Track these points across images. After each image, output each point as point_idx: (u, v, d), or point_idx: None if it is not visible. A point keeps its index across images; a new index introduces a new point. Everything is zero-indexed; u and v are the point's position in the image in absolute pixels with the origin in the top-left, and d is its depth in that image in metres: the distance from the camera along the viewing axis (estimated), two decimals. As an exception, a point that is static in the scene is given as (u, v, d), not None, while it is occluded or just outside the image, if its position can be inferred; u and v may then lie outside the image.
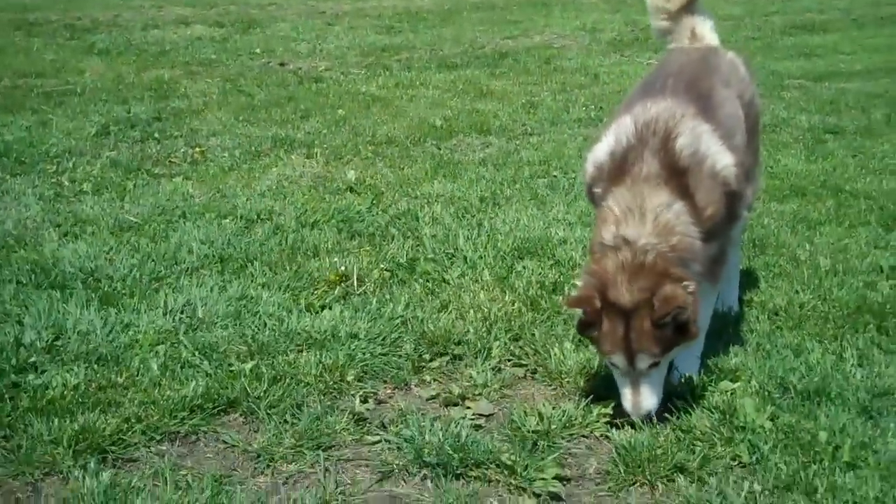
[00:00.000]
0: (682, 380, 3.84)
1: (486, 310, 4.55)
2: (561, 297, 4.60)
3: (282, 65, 11.49)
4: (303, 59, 12.06)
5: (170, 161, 7.13)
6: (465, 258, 5.26)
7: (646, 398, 3.57)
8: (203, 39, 13.13)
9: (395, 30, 14.82)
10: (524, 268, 5.13)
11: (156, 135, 7.77)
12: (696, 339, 3.64)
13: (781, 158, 7.61)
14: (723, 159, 3.82)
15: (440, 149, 7.75)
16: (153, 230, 5.60)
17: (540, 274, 5.04)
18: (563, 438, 3.56)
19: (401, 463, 3.40)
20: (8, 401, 3.64)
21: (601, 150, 3.90)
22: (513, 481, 3.29)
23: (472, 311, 4.56)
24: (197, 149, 7.44)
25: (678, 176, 3.66)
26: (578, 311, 3.60)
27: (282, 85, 10.28)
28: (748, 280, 5.08)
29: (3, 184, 6.52)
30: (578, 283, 3.74)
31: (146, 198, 6.21)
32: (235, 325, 4.38)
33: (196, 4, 16.90)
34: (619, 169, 3.74)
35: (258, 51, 12.39)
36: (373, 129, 8.31)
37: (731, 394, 3.79)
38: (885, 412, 3.69)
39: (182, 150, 7.44)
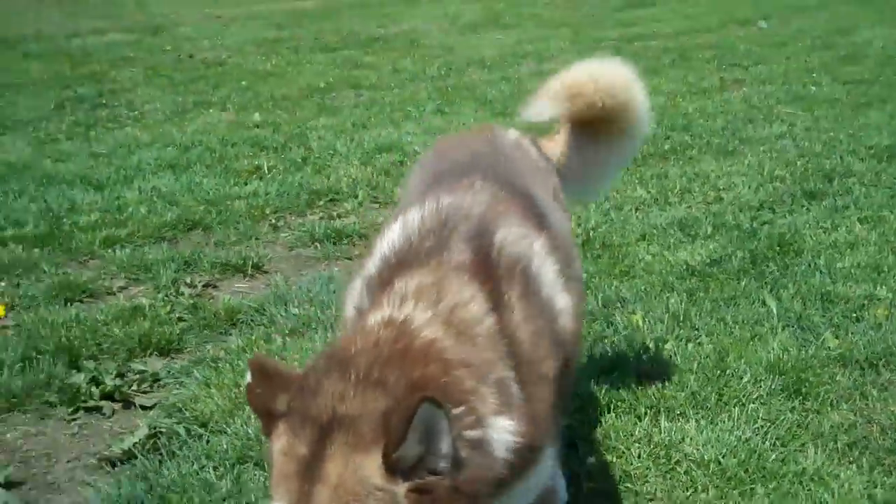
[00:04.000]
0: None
1: (353, 174, 7.03)
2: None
3: (190, 56, 13.70)
4: (207, 51, 14.29)
5: (118, 119, 9.44)
6: (340, 154, 7.72)
7: None
8: (119, 43, 15.28)
9: (283, 26, 17.11)
10: (380, 155, 7.60)
11: (103, 102, 10.08)
12: None
13: None
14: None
15: (323, 99, 10.19)
16: (119, 154, 7.91)
17: (391, 159, 7.51)
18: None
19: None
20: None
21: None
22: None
23: (345, 178, 7.00)
24: (136, 112, 9.75)
25: None
26: None
27: (193, 69, 12.57)
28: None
29: (-5, 139, 8.79)
30: None
31: (107, 139, 8.51)
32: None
33: (106, 17, 18.98)
34: None
35: (168, 48, 14.57)
36: (271, 91, 10.69)
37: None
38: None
39: (125, 112, 9.74)
